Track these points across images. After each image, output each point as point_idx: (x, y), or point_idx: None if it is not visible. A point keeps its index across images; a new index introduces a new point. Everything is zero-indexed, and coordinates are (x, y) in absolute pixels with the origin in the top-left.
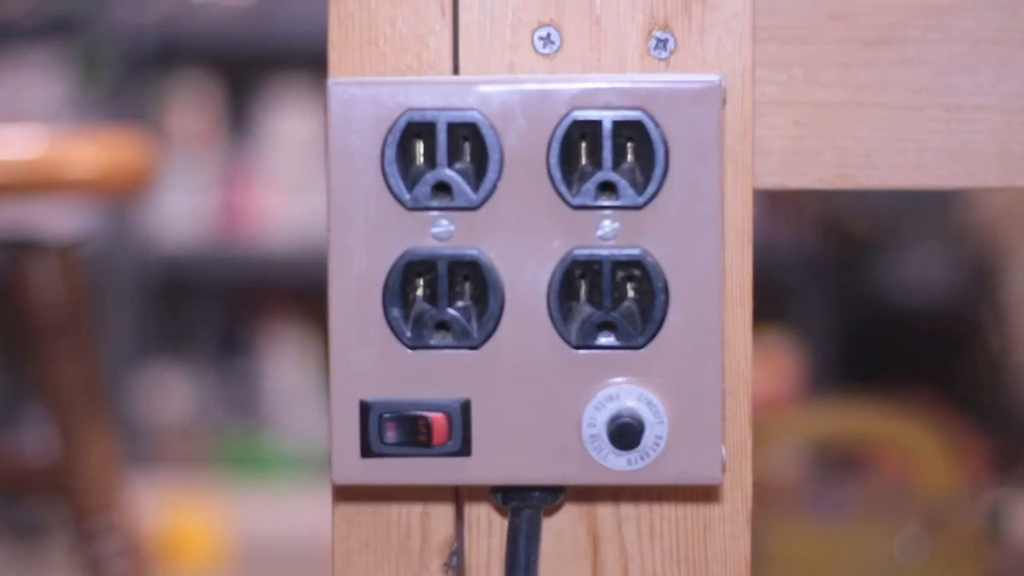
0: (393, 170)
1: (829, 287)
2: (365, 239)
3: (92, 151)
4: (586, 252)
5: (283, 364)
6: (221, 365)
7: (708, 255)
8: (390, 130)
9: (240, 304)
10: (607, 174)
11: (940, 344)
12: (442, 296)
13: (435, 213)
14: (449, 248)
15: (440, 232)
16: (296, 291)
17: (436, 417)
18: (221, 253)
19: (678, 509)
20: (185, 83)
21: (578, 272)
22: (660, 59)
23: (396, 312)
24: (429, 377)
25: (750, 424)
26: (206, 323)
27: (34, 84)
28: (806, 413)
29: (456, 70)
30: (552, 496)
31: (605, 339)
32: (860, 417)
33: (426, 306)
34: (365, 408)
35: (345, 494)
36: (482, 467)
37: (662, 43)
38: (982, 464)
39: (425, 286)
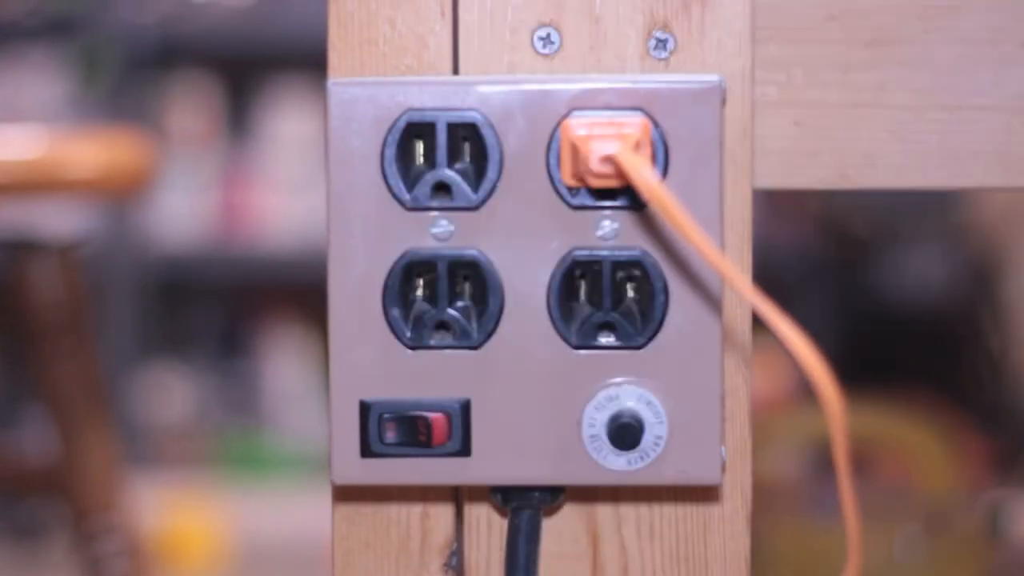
0: (393, 170)
1: (829, 287)
2: (365, 239)
3: (92, 151)
4: (586, 252)
5: (283, 364)
6: (221, 365)
7: None
8: (390, 130)
9: (240, 304)
10: None
11: (940, 344)
12: (442, 296)
13: (435, 213)
14: (449, 248)
15: (440, 232)
16: (296, 291)
17: (436, 417)
18: (221, 253)
19: (678, 509)
20: (185, 83)
21: (578, 272)
22: (660, 59)
23: (396, 312)
24: (429, 377)
25: (750, 424)
26: (206, 323)
27: (34, 84)
28: (806, 413)
29: (456, 70)
30: (552, 496)
31: (605, 339)
32: (860, 417)
33: (426, 306)
34: (365, 408)
35: (345, 494)
36: (482, 467)
37: (662, 43)
38: (982, 464)
39: (425, 286)
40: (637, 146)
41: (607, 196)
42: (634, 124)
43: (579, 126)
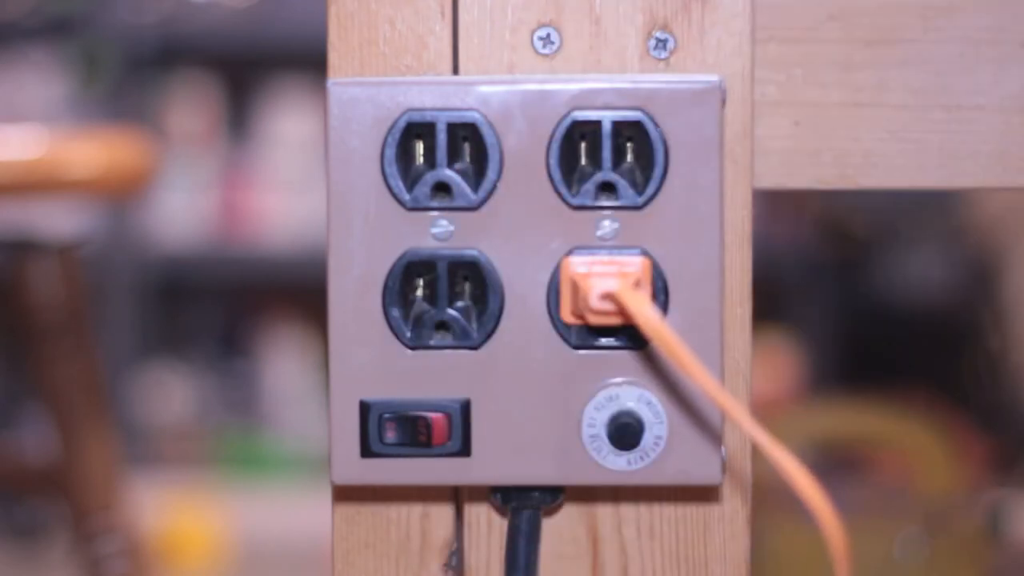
0: (393, 170)
1: (829, 287)
2: (365, 239)
3: (92, 151)
4: (586, 252)
5: (283, 364)
6: (221, 365)
7: (708, 255)
8: (390, 130)
9: (240, 304)
10: (607, 174)
11: (940, 344)
12: (442, 296)
13: (435, 213)
14: (449, 248)
15: (440, 232)
16: (296, 291)
17: (436, 417)
18: (221, 253)
19: (678, 509)
20: (185, 83)
21: None
22: (660, 59)
23: (396, 312)
24: (429, 377)
25: None
26: (206, 323)
27: (34, 84)
28: (806, 413)
29: (456, 70)
30: (552, 496)
31: (605, 339)
32: (860, 417)
33: (426, 306)
34: (365, 408)
35: (345, 494)
36: (482, 467)
37: (662, 43)
38: (982, 464)
39: (425, 286)
40: (637, 284)
41: (607, 196)
42: (634, 263)
43: (579, 264)
